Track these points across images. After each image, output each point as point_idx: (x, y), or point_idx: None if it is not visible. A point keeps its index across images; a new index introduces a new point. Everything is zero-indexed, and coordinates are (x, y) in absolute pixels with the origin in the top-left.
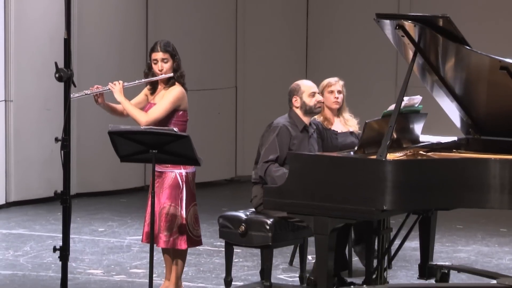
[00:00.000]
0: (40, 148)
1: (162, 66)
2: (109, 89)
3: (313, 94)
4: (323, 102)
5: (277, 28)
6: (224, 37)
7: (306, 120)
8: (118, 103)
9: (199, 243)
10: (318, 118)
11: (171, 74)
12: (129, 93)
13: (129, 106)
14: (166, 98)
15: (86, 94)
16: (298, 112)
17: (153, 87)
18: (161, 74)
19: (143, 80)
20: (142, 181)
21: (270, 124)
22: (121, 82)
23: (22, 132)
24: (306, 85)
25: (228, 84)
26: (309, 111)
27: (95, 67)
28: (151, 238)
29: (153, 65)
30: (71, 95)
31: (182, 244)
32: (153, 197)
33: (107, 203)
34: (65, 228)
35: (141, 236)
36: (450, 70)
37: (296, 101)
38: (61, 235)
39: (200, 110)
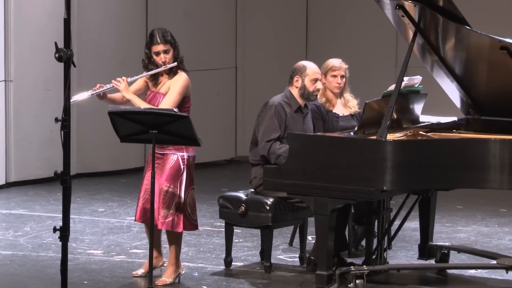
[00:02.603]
0: (40, 128)
1: (165, 58)
2: (113, 86)
3: (315, 80)
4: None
5: (277, 7)
6: (224, 16)
7: (301, 102)
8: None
9: (196, 227)
10: (320, 99)
11: (175, 64)
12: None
13: (140, 103)
14: (174, 89)
15: (90, 95)
16: (295, 92)
17: (154, 76)
18: (164, 65)
19: (146, 73)
20: (142, 162)
21: (266, 103)
22: (124, 78)
23: (22, 112)
24: (311, 69)
25: (228, 64)
26: (306, 95)
27: (95, 47)
28: (151, 220)
29: (155, 57)
30: (74, 98)
31: (178, 227)
32: (153, 178)
33: (107, 184)
34: (65, 209)
35: (135, 215)
36: (450, 50)
37: (297, 82)
38: (61, 216)
39: (200, 90)
